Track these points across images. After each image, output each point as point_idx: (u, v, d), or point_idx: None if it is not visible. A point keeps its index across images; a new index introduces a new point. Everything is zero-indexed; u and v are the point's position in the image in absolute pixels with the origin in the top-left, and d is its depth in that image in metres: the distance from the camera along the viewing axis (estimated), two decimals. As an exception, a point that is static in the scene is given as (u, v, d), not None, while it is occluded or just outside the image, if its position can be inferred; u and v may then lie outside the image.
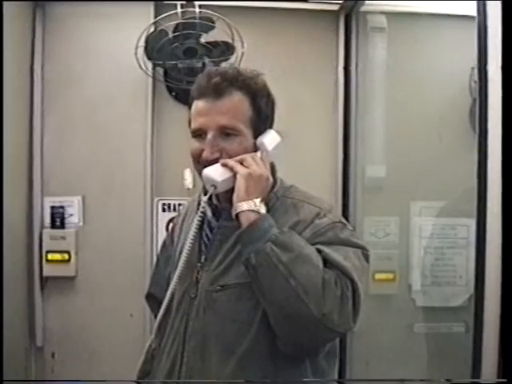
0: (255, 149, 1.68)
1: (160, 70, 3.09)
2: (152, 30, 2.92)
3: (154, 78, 3.07)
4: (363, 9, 3.08)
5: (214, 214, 1.75)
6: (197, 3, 2.88)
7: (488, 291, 1.70)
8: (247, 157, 1.62)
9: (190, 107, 1.70)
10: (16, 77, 2.94)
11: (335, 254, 1.55)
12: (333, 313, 1.47)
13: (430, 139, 3.03)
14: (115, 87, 3.09)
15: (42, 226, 3.10)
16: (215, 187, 1.62)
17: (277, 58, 3.06)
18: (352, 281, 1.52)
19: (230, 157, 1.62)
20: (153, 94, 3.12)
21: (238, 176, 1.58)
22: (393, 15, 3.07)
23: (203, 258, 1.73)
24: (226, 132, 1.63)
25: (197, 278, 1.71)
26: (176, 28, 2.86)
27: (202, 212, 1.70)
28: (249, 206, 1.56)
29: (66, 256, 3.07)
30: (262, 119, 1.69)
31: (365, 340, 2.94)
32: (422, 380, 2.71)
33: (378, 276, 3.02)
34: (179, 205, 3.14)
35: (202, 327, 1.67)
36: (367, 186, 3.16)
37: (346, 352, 2.98)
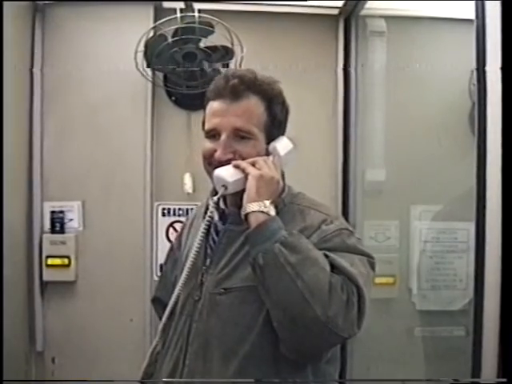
0: (267, 153, 1.69)
1: (160, 75, 3.10)
2: (151, 34, 2.93)
3: (153, 82, 3.08)
4: (362, 13, 3.09)
5: (220, 217, 1.77)
6: (196, 8, 2.89)
7: (487, 293, 1.69)
8: (259, 159, 1.64)
9: (204, 108, 1.72)
10: (15, 80, 2.94)
11: (342, 260, 1.54)
12: (338, 316, 1.46)
13: (430, 143, 3.03)
14: (115, 92, 3.10)
15: (42, 231, 3.10)
16: (226, 188, 1.63)
17: (276, 63, 3.04)
18: (358, 287, 1.51)
19: (243, 159, 1.64)
20: (152, 99, 3.13)
21: (250, 177, 1.59)
22: (392, 19, 3.08)
23: (208, 261, 1.74)
24: (239, 134, 1.64)
25: (201, 280, 1.72)
26: (175, 33, 2.86)
27: (209, 216, 1.71)
28: (258, 206, 1.56)
29: (66, 261, 3.07)
30: (276, 125, 1.71)
31: (365, 344, 2.94)
32: (422, 380, 2.71)
33: (378, 280, 3.01)
34: (179, 209, 3.15)
35: (204, 330, 1.67)
36: (367, 189, 3.17)
37: (346, 356, 2.98)
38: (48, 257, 3.07)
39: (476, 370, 1.70)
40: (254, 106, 1.66)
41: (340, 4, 3.08)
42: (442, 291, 3.10)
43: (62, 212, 3.09)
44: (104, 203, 3.11)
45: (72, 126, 3.10)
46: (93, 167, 3.10)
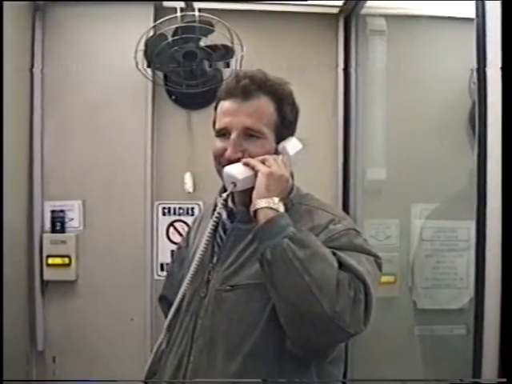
0: (277, 153, 1.71)
1: (160, 74, 3.09)
2: (151, 33, 2.92)
3: (153, 81, 3.07)
4: (363, 12, 3.09)
5: (228, 216, 1.79)
6: (196, 7, 2.89)
7: (488, 291, 1.70)
8: (269, 157, 1.66)
9: (215, 108, 1.75)
10: (16, 79, 2.94)
11: (349, 258, 1.55)
12: (345, 312, 1.46)
13: (430, 141, 3.03)
14: (115, 91, 3.10)
15: (43, 231, 3.10)
16: (235, 185, 1.65)
17: (276, 62, 3.03)
18: (365, 284, 1.52)
19: (252, 158, 1.66)
20: (152, 98, 3.13)
21: (260, 174, 1.62)
22: (392, 18, 3.08)
23: (215, 258, 1.76)
24: (250, 133, 1.67)
25: (208, 277, 1.74)
26: (175, 32, 2.86)
27: (218, 213, 1.73)
28: (268, 203, 1.58)
29: (67, 260, 3.07)
30: (286, 125, 1.73)
31: (366, 343, 2.94)
32: (422, 380, 2.71)
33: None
34: (179, 208, 3.16)
35: (210, 326, 1.69)
36: (367, 188, 3.17)
37: (347, 355, 2.97)
38: (48, 256, 3.07)
39: (477, 369, 1.70)
40: (264, 105, 1.68)
41: (340, 3, 3.09)
42: (443, 290, 3.11)
43: (62, 211, 3.09)
44: (104, 202, 3.11)
45: (72, 125, 3.10)
46: (93, 166, 3.10)
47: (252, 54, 2.89)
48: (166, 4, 3.06)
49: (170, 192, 3.17)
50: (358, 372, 3.06)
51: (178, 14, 2.87)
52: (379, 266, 1.66)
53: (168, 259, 3.12)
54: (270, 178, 1.61)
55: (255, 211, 1.59)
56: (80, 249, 3.10)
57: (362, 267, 1.54)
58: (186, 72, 2.95)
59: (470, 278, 2.98)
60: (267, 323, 1.61)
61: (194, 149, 3.12)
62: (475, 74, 2.62)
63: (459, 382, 2.02)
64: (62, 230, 3.09)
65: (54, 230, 3.09)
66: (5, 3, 2.56)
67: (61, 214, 3.09)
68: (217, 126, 1.72)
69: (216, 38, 2.89)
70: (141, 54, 2.90)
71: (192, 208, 3.14)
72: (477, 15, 1.76)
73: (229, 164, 1.67)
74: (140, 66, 2.92)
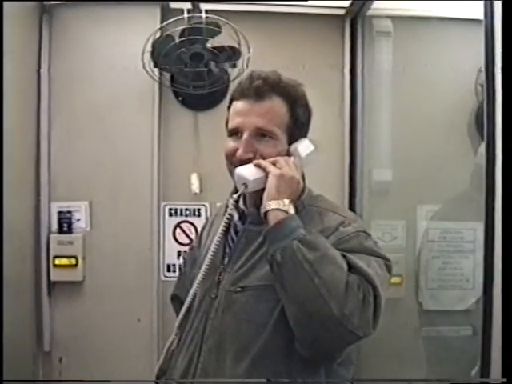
0: (288, 154, 1.71)
1: (166, 75, 3.10)
2: (158, 35, 2.93)
3: (160, 82, 3.08)
4: (369, 13, 3.09)
5: (240, 217, 1.80)
6: (203, 8, 2.89)
7: (496, 292, 1.69)
8: (280, 159, 1.67)
9: (228, 108, 1.76)
10: (23, 81, 2.96)
11: (359, 260, 1.55)
12: (353, 314, 1.47)
13: (437, 143, 3.03)
14: (122, 92, 3.10)
15: (50, 231, 3.11)
16: (246, 186, 1.66)
17: (283, 63, 3.03)
18: (374, 287, 1.52)
19: (263, 158, 1.67)
20: (159, 99, 3.14)
21: (270, 176, 1.62)
22: (398, 19, 3.08)
23: (226, 259, 1.76)
24: (261, 134, 1.67)
25: (219, 278, 1.74)
26: (182, 33, 2.87)
27: (229, 214, 1.74)
28: (278, 205, 1.58)
29: (74, 261, 3.07)
30: (298, 127, 1.73)
31: (372, 343, 2.93)
32: (428, 380, 2.71)
33: (385, 280, 3.01)
34: (186, 209, 3.16)
35: (219, 327, 1.70)
36: (374, 189, 3.17)
37: (358, 351, 2.97)
38: (55, 257, 3.08)
39: (485, 370, 1.70)
40: (276, 106, 1.69)
41: (346, 4, 3.09)
42: (449, 291, 3.10)
43: (69, 212, 3.10)
44: (111, 203, 3.11)
45: (79, 126, 3.11)
46: (100, 167, 3.10)
47: (258, 56, 2.88)
48: (172, 5, 3.06)
49: (177, 193, 3.18)
50: (364, 373, 3.05)
51: (185, 15, 2.87)
52: (389, 269, 1.65)
53: (174, 260, 3.14)
54: (281, 180, 1.61)
55: (265, 213, 1.60)
56: (87, 249, 3.11)
57: (371, 270, 1.55)
58: (192, 73, 2.95)
59: (475, 279, 2.98)
60: (276, 325, 1.61)
61: (201, 150, 3.13)
62: (482, 75, 2.63)
63: (459, 382, 2.03)
64: (69, 231, 3.10)
65: (60, 231, 3.10)
66: (11, 5, 2.58)
67: (68, 215, 3.10)
68: (229, 126, 1.73)
69: (223, 40, 2.89)
70: (148, 56, 2.90)
71: (198, 209, 3.15)
72: (485, 16, 1.76)
73: (240, 164, 1.67)
74: (147, 67, 2.93)
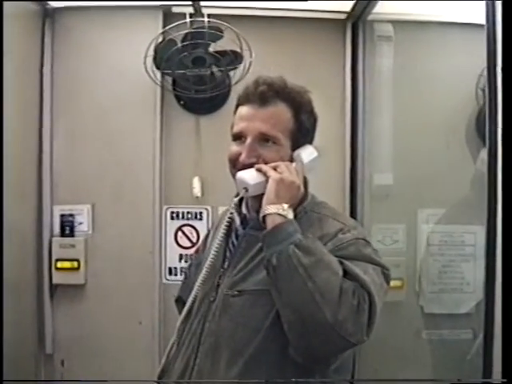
0: (292, 160, 1.72)
1: (169, 79, 3.11)
2: (161, 39, 2.94)
3: (162, 87, 3.09)
4: (370, 17, 3.10)
5: (241, 222, 1.81)
6: (205, 13, 2.91)
7: (498, 293, 1.70)
8: (281, 164, 1.67)
9: (234, 112, 1.77)
10: (25, 85, 2.97)
11: (355, 267, 1.56)
12: (347, 321, 1.47)
13: (437, 147, 3.04)
14: (124, 96, 3.11)
15: (52, 234, 3.12)
16: (247, 190, 1.67)
17: (284, 67, 3.04)
18: (369, 294, 1.52)
19: (266, 164, 1.68)
20: (161, 103, 3.14)
21: (270, 180, 1.63)
22: (399, 24, 3.08)
23: (226, 263, 1.78)
24: (265, 139, 1.69)
25: (218, 282, 1.76)
26: (185, 37, 2.88)
27: (229, 217, 1.76)
28: (276, 209, 1.59)
29: (76, 264, 3.08)
30: (303, 133, 1.75)
31: (373, 347, 2.94)
32: (429, 380, 2.72)
33: (386, 283, 3.02)
34: (188, 213, 3.17)
35: (216, 330, 1.70)
36: (375, 193, 3.17)
37: (354, 359, 2.98)
38: (57, 260, 3.08)
39: (487, 373, 1.71)
40: (280, 112, 1.70)
41: (348, 9, 3.09)
42: (450, 294, 3.11)
43: (71, 215, 3.11)
44: (113, 206, 3.12)
45: (81, 130, 3.12)
46: (102, 171, 3.11)
47: (260, 60, 2.90)
48: (174, 10, 3.07)
49: (179, 196, 3.18)
50: (365, 375, 3.06)
51: (188, 19, 2.89)
52: (386, 278, 1.65)
53: (176, 263, 3.15)
54: (281, 184, 1.62)
55: (264, 217, 1.61)
56: (89, 253, 3.11)
57: (367, 277, 1.55)
58: (194, 77, 2.96)
59: (476, 282, 2.99)
60: (270, 329, 1.62)
61: (203, 153, 3.13)
62: (482, 79, 2.64)
63: (459, 382, 2.03)
64: (71, 234, 3.11)
65: (63, 234, 3.11)
66: (15, 9, 2.60)
67: (70, 218, 3.10)
68: (233, 130, 1.74)
69: (225, 44, 2.91)
70: (150, 60, 2.92)
71: (200, 212, 3.15)
72: (487, 20, 1.76)
73: (243, 169, 1.68)
74: (149, 71, 2.94)
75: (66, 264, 3.08)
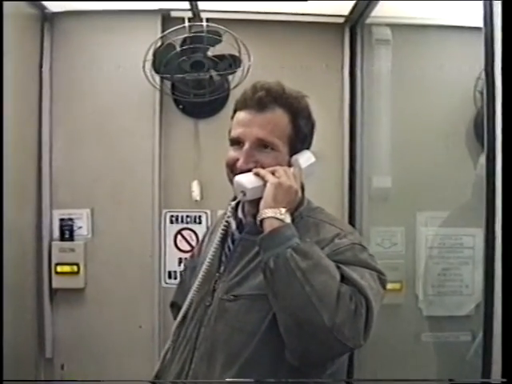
0: (289, 166, 1.71)
1: (167, 83, 3.12)
2: (159, 43, 2.95)
3: (161, 91, 3.10)
4: (368, 21, 3.10)
5: (238, 227, 1.80)
6: (204, 17, 2.92)
7: (498, 297, 1.70)
8: (279, 168, 1.67)
9: (232, 118, 1.76)
10: (24, 89, 2.97)
11: (352, 272, 1.55)
12: (344, 325, 1.46)
13: (436, 149, 3.05)
14: (123, 100, 3.12)
15: (51, 239, 3.13)
16: (244, 194, 1.66)
17: (283, 71, 3.07)
18: (367, 299, 1.51)
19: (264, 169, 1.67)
20: (160, 107, 3.15)
21: (268, 184, 1.62)
22: (397, 27, 3.09)
23: (222, 268, 1.76)
24: (262, 145, 1.68)
25: (214, 287, 1.75)
26: (184, 42, 2.89)
27: (226, 221, 1.75)
28: (274, 213, 1.59)
29: (75, 268, 3.09)
30: (300, 138, 1.74)
31: (372, 349, 2.95)
32: (428, 380, 2.72)
33: (385, 286, 3.02)
34: (187, 216, 3.17)
35: (211, 335, 1.70)
36: (373, 196, 3.18)
37: (353, 361, 2.99)
38: (57, 264, 3.09)
39: (486, 373, 1.72)
40: (278, 117, 1.69)
41: (346, 12, 3.10)
42: (448, 297, 3.11)
43: (71, 219, 3.11)
44: (113, 211, 3.13)
45: (81, 134, 3.13)
46: (101, 175, 3.12)
47: (259, 64, 2.91)
48: (173, 14, 3.08)
49: (178, 200, 3.19)
50: (365, 377, 3.07)
51: (186, 24, 2.90)
52: (383, 283, 1.64)
53: (176, 267, 3.15)
54: (279, 189, 1.62)
55: (261, 220, 1.60)
56: (88, 257, 3.12)
57: (364, 281, 1.54)
58: (193, 81, 2.97)
59: (475, 284, 2.99)
60: (265, 334, 1.61)
61: (202, 157, 3.14)
62: (480, 82, 2.65)
63: (459, 382, 2.04)
64: (71, 238, 3.11)
65: (62, 238, 3.11)
66: (14, 14, 2.60)
67: (69, 223, 3.11)
68: (231, 136, 1.73)
69: (223, 48, 2.92)
70: (149, 64, 2.93)
71: (199, 216, 3.16)
72: (485, 24, 1.76)
73: (240, 173, 1.68)
74: (148, 76, 2.95)
75: (66, 268, 3.08)
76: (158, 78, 3.04)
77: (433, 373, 2.99)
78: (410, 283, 3.14)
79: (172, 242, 3.19)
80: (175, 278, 3.14)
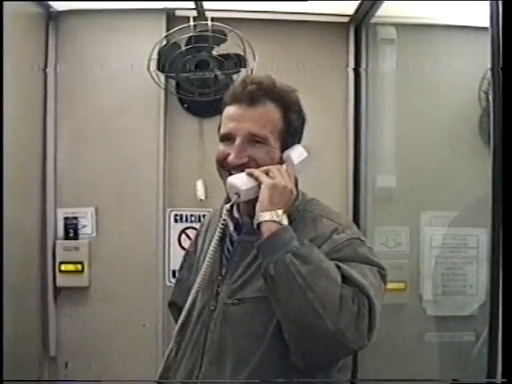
0: (281, 161, 1.69)
1: (172, 82, 3.12)
2: (164, 42, 2.96)
3: (166, 90, 3.10)
4: (373, 21, 3.10)
5: (235, 227, 1.77)
6: (209, 16, 2.92)
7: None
8: (273, 168, 1.64)
9: (221, 113, 1.74)
10: (29, 88, 2.98)
11: (353, 271, 1.54)
12: (348, 329, 1.45)
13: (440, 149, 3.05)
14: (128, 99, 3.12)
15: (56, 237, 3.12)
16: (238, 195, 1.63)
17: (287, 70, 3.05)
18: (369, 299, 1.50)
19: (256, 164, 1.65)
20: (165, 106, 3.15)
21: (263, 186, 1.59)
22: (402, 27, 3.09)
23: (224, 271, 1.74)
24: (254, 139, 1.65)
25: (217, 290, 1.72)
26: (188, 41, 2.90)
27: (222, 224, 1.70)
28: (271, 216, 1.56)
29: (80, 267, 3.09)
30: (292, 133, 1.71)
31: (376, 349, 2.94)
32: (428, 380, 2.72)
33: (389, 285, 2.97)
34: (191, 215, 3.17)
35: (219, 339, 1.68)
36: (378, 196, 3.17)
37: (357, 361, 2.98)
38: (61, 263, 3.09)
39: (491, 373, 1.72)
40: (270, 112, 1.66)
41: (351, 12, 3.10)
42: (452, 297, 3.11)
43: (75, 218, 3.11)
44: (117, 209, 3.13)
45: (85, 133, 3.13)
46: (106, 174, 3.12)
47: (264, 63, 2.90)
48: (178, 13, 3.08)
49: (182, 199, 3.19)
50: (368, 377, 3.06)
51: (191, 23, 2.90)
52: (383, 278, 1.63)
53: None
54: (274, 190, 1.59)
55: (258, 224, 1.57)
56: (93, 255, 3.12)
57: (365, 280, 1.53)
58: (198, 80, 2.97)
59: (479, 284, 2.99)
60: (273, 336, 1.59)
61: (206, 156, 3.13)
62: (485, 82, 2.64)
63: (459, 382, 2.04)
64: (75, 237, 3.11)
65: (67, 237, 3.12)
66: (19, 13, 2.61)
67: (74, 221, 3.11)
68: (221, 131, 1.71)
69: (228, 47, 2.92)
70: (154, 63, 2.93)
71: (204, 215, 3.14)
72: (491, 24, 1.76)
73: (232, 169, 1.66)
74: (153, 75, 2.95)
75: (70, 267, 3.08)
76: (162, 77, 3.04)
77: (436, 373, 2.99)
78: (414, 283, 3.14)
79: (176, 241, 3.18)
80: (179, 277, 3.14)
